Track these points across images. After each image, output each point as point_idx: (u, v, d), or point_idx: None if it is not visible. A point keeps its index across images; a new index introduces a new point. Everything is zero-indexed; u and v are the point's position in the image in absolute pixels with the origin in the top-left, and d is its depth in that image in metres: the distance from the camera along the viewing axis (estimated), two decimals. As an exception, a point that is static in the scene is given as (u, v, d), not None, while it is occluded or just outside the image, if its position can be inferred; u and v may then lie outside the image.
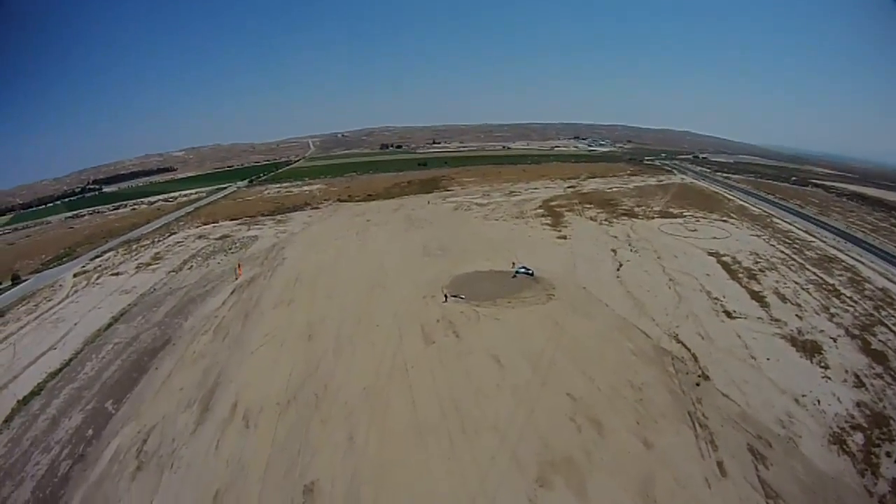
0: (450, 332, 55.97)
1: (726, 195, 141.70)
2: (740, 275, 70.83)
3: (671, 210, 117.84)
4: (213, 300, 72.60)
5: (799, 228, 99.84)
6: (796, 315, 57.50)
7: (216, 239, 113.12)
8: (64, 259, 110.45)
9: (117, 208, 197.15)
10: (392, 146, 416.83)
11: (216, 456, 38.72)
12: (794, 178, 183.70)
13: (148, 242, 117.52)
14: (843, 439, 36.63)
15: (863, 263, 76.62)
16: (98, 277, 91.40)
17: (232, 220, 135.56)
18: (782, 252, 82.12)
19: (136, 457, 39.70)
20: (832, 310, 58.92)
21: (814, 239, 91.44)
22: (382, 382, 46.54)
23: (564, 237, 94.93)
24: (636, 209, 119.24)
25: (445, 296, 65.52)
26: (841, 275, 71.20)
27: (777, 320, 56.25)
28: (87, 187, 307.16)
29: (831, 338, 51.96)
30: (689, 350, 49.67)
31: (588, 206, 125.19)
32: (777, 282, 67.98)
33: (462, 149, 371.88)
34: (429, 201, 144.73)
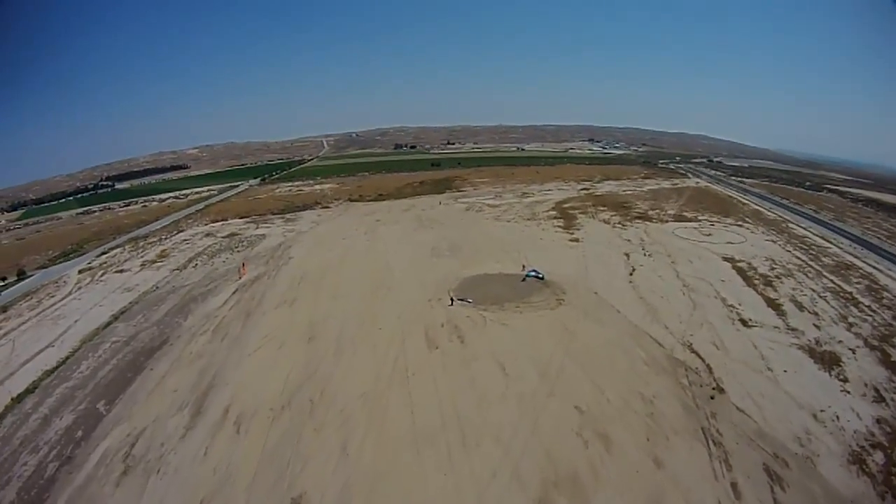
0: (454, 336, 54.14)
1: (741, 199, 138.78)
2: (756, 281, 68.46)
3: (685, 214, 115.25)
4: (214, 299, 71.40)
5: (815, 234, 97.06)
6: (814, 324, 55.20)
7: (223, 237, 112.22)
8: (71, 255, 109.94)
9: (128, 205, 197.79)
10: (406, 146, 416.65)
11: (204, 463, 37.30)
12: (808, 183, 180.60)
13: (155, 240, 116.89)
14: (863, 459, 34.53)
15: (880, 271, 74.04)
16: (103, 274, 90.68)
17: (241, 218, 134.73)
18: (798, 258, 79.55)
19: (123, 460, 38.42)
20: (850, 319, 56.58)
21: (830, 245, 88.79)
22: (381, 388, 44.86)
23: (576, 240, 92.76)
24: (650, 212, 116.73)
25: (452, 299, 63.72)
26: (858, 282, 68.78)
27: (794, 329, 53.95)
28: (100, 184, 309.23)
29: (850, 349, 49.72)
30: (703, 360, 47.49)
31: (601, 208, 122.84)
32: (794, 289, 65.60)
33: (476, 149, 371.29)
34: (440, 202, 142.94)
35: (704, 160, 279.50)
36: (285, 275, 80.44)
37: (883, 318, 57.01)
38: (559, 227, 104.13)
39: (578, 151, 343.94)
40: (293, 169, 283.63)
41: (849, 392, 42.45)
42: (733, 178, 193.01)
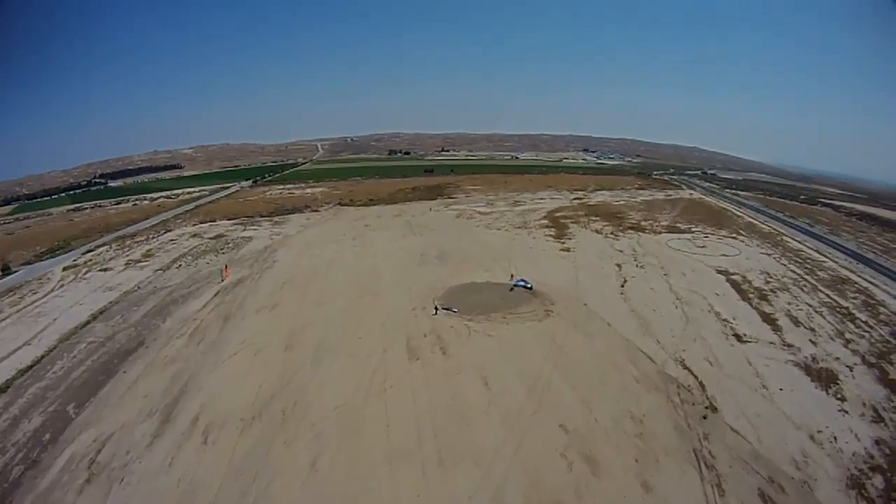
0: (437, 347, 52.09)
1: (735, 211, 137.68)
2: (751, 295, 66.96)
3: (679, 225, 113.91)
4: (194, 302, 69.32)
5: (810, 247, 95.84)
6: (810, 340, 53.73)
7: (210, 238, 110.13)
8: (57, 252, 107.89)
9: (119, 203, 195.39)
10: (400, 152, 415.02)
11: (168, 473, 35.39)
12: (802, 197, 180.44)
13: (142, 239, 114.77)
14: (862, 483, 33.01)
15: (876, 286, 72.87)
16: (86, 272, 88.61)
17: (229, 219, 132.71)
18: (794, 272, 78.19)
19: (87, 467, 36.68)
20: (847, 335, 55.23)
21: (825, 259, 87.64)
22: (357, 401, 42.82)
23: (568, 249, 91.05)
24: (643, 223, 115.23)
25: (436, 308, 61.77)
26: (855, 297, 67.54)
27: (790, 345, 52.42)
28: (94, 181, 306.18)
29: (847, 366, 48.28)
30: (696, 377, 45.72)
31: (594, 218, 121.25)
32: (789, 303, 64.17)
33: (470, 157, 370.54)
34: (430, 208, 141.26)
35: (699, 172, 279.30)
36: (269, 279, 78.45)
37: (880, 335, 55.69)
38: (550, 236, 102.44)
39: (572, 161, 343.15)
40: (286, 172, 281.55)
41: (847, 412, 40.99)
42: (727, 190, 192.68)
